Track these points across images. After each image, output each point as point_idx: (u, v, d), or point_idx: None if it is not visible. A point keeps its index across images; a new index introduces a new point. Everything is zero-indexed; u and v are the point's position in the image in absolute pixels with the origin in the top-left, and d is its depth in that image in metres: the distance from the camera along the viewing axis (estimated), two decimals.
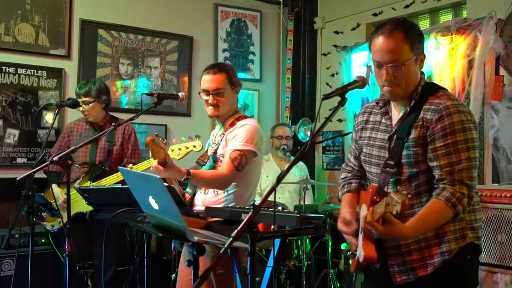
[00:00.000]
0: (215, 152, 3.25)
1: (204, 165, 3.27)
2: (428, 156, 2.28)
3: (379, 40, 2.29)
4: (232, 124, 3.26)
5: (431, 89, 2.37)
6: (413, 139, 2.30)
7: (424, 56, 2.36)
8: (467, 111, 2.28)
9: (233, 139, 3.17)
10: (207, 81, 3.25)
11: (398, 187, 2.31)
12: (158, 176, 2.30)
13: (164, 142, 2.96)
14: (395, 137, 2.38)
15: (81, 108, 4.36)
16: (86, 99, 4.33)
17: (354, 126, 2.66)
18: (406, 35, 2.27)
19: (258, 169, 3.37)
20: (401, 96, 2.37)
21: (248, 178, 3.26)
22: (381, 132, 2.47)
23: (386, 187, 2.36)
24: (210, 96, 3.23)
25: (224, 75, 3.25)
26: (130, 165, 3.98)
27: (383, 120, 2.47)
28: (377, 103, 2.53)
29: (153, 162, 3.59)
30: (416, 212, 2.25)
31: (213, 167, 3.25)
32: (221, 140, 3.24)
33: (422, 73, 2.40)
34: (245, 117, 3.34)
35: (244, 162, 3.14)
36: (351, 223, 2.44)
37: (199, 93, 3.32)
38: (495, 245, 3.86)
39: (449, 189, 2.20)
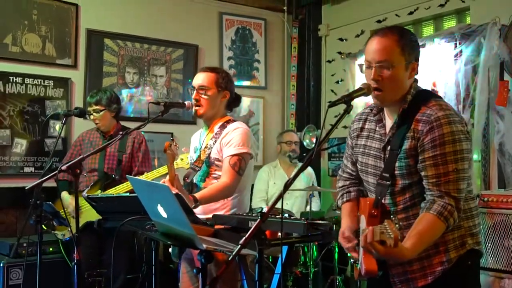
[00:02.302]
0: (208, 157, 3.26)
1: (198, 170, 3.28)
2: (418, 167, 2.26)
3: (373, 41, 2.30)
4: (223, 127, 3.28)
5: (424, 97, 2.34)
6: (405, 151, 2.29)
7: (417, 65, 2.34)
8: (458, 122, 2.24)
9: (228, 145, 3.19)
10: (196, 78, 3.32)
11: (392, 216, 2.29)
12: (166, 185, 2.31)
13: (176, 146, 3.02)
14: (389, 148, 2.36)
15: (92, 117, 4.41)
16: (97, 107, 4.38)
17: (349, 133, 2.64)
18: (400, 39, 2.28)
19: (251, 172, 3.39)
20: (388, 102, 2.35)
21: (244, 183, 3.29)
22: (376, 140, 2.45)
23: (383, 199, 2.35)
24: (195, 91, 3.27)
25: (213, 74, 3.29)
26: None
27: (377, 128, 2.46)
28: (371, 110, 2.51)
29: (162, 171, 3.59)
30: (412, 223, 2.23)
31: (207, 172, 3.27)
32: (214, 144, 3.25)
33: (415, 80, 2.38)
34: (234, 120, 3.36)
35: (243, 165, 3.18)
36: (350, 239, 2.42)
37: (188, 89, 3.36)
38: (502, 250, 3.85)
39: (439, 202, 2.18)
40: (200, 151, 3.33)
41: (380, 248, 2.02)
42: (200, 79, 3.29)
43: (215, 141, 3.25)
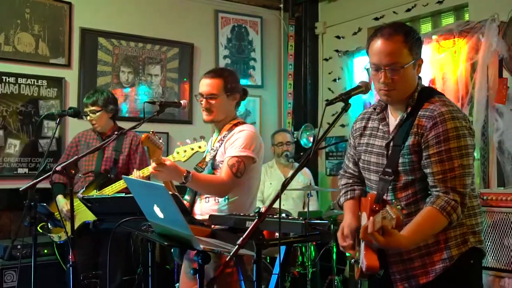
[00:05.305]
0: (213, 158, 3.22)
1: (202, 171, 3.23)
2: (422, 163, 2.26)
3: (378, 43, 2.28)
4: (230, 130, 3.24)
5: (427, 94, 2.35)
6: (409, 147, 2.29)
7: (422, 61, 2.35)
8: (462, 117, 2.25)
9: (231, 146, 3.14)
10: (203, 84, 3.26)
11: (393, 200, 2.31)
12: (162, 185, 2.27)
13: (161, 140, 2.94)
14: (392, 144, 2.36)
15: (88, 117, 4.36)
16: (93, 108, 4.33)
17: (351, 132, 2.64)
18: (406, 38, 2.26)
19: (258, 176, 3.34)
20: (398, 100, 2.35)
21: (248, 186, 3.22)
22: (379, 138, 2.45)
23: (385, 195, 2.34)
24: (204, 99, 3.22)
25: (220, 80, 3.23)
26: (135, 171, 3.97)
27: (380, 126, 2.46)
28: (374, 109, 2.51)
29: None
30: None
31: (212, 174, 3.22)
32: (220, 146, 3.21)
33: (419, 78, 2.39)
34: (243, 123, 3.31)
35: (242, 168, 3.08)
36: (347, 238, 2.43)
37: (195, 95, 3.33)
38: (502, 249, 3.84)
39: (444, 197, 2.18)
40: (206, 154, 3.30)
41: (380, 238, 2.07)
42: (208, 86, 3.22)
43: (221, 144, 3.21)
